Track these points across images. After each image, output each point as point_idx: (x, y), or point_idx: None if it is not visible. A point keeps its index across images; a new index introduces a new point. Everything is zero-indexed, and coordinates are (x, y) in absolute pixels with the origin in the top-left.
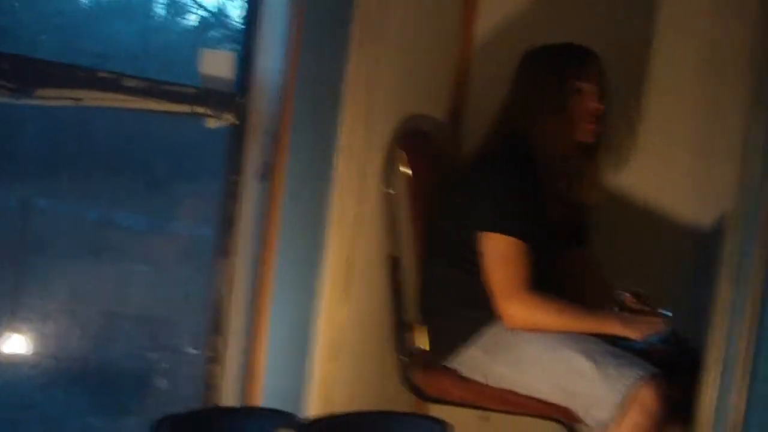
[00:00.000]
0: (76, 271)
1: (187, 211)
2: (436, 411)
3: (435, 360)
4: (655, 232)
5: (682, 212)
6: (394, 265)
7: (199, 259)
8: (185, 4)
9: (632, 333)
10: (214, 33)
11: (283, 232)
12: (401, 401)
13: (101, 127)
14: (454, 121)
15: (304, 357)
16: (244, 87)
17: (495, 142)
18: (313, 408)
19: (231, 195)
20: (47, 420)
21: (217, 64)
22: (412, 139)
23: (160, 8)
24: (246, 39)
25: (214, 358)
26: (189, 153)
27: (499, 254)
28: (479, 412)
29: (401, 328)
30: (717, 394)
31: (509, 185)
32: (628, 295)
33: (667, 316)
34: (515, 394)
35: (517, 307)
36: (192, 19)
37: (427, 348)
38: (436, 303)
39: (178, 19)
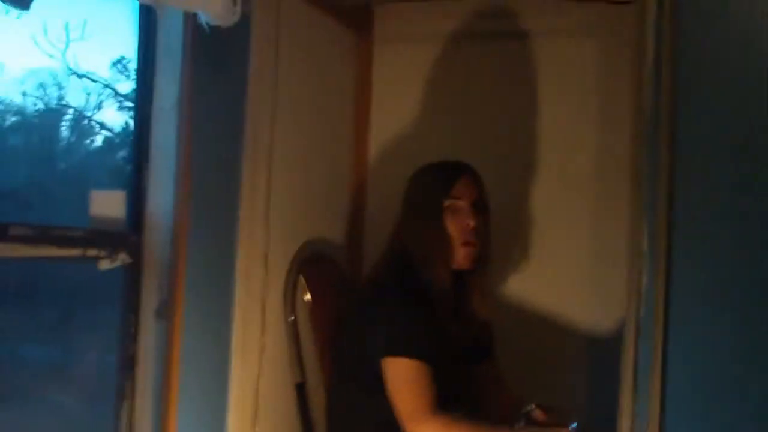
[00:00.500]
0: None
1: (85, 356)
2: None
3: None
4: (555, 340)
5: (581, 318)
6: (300, 392)
7: (100, 403)
8: (72, 146)
9: None
10: (102, 172)
11: (185, 369)
12: None
13: None
14: (353, 243)
15: None
16: (137, 226)
17: (387, 265)
18: None
19: (129, 336)
20: None
21: (108, 204)
22: (311, 265)
23: (46, 149)
24: (135, 177)
25: None
26: (83, 296)
27: (402, 378)
28: None
29: None
30: None
31: (403, 309)
32: (536, 408)
33: (573, 428)
34: None
35: (427, 428)
36: (83, 159)
37: None
38: (345, 429)
39: (66, 161)
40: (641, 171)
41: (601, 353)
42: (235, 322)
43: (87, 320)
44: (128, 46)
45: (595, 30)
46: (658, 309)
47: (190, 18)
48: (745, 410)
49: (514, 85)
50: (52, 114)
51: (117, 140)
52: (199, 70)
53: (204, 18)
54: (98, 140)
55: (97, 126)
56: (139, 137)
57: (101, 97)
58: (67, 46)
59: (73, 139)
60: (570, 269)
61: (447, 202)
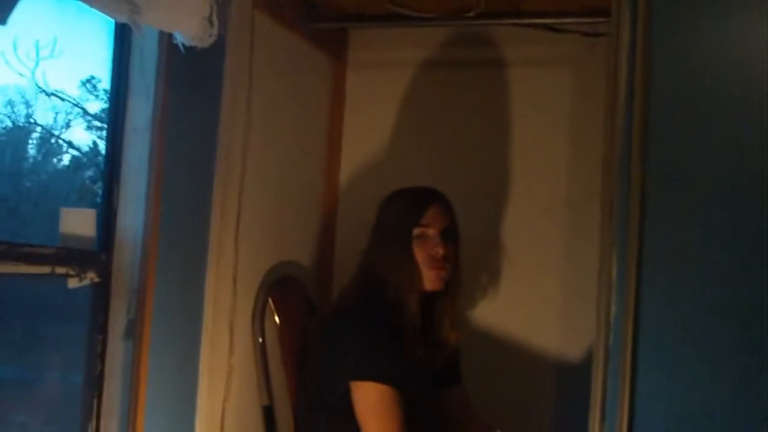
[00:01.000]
0: None
1: (51, 375)
2: None
3: None
4: (524, 366)
5: (550, 345)
6: (268, 414)
7: (67, 423)
8: (39, 164)
9: None
10: (69, 191)
11: (152, 390)
12: None
13: None
14: (322, 267)
15: None
16: (107, 245)
17: (355, 289)
18: None
19: (96, 355)
20: None
21: (78, 221)
22: (280, 287)
23: (14, 167)
24: (106, 195)
25: None
26: (51, 314)
27: (370, 403)
28: None
29: None
30: None
31: (370, 333)
32: None
33: None
34: None
35: None
36: (49, 178)
37: None
38: None
39: (32, 179)
40: (612, 200)
41: (570, 380)
42: (203, 344)
43: (54, 338)
44: (98, 66)
45: (569, 60)
46: (626, 338)
47: (166, 38)
48: None
49: (487, 113)
50: (20, 132)
51: (84, 159)
52: (173, 90)
53: (180, 38)
54: (66, 159)
55: (65, 145)
56: (111, 156)
57: (70, 116)
58: (36, 63)
59: (40, 158)
60: (540, 296)
61: (416, 231)
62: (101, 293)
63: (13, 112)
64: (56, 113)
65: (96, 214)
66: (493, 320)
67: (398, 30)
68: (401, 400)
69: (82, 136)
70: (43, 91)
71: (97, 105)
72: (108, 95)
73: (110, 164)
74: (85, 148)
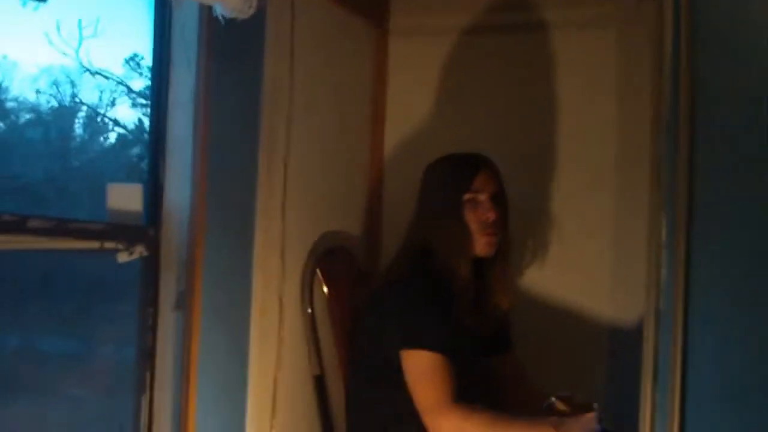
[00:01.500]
0: None
1: (103, 349)
2: None
3: None
4: (575, 332)
5: (601, 310)
6: (319, 384)
7: (120, 395)
8: (86, 143)
9: None
10: (116, 169)
11: (203, 361)
12: None
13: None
14: (370, 236)
15: None
16: (154, 218)
17: (404, 258)
18: None
19: (148, 328)
20: None
21: (125, 197)
22: (329, 258)
23: (60, 146)
24: (153, 170)
25: None
26: (102, 288)
27: (421, 371)
28: None
29: None
30: None
31: (420, 302)
32: (556, 401)
33: (596, 410)
34: None
35: (444, 423)
36: (96, 156)
37: None
38: (363, 421)
39: (79, 158)
40: (660, 163)
41: (621, 345)
42: (253, 315)
43: (105, 313)
44: (141, 43)
45: (613, 21)
46: (677, 301)
47: (206, 11)
48: (766, 401)
49: (532, 77)
50: (66, 111)
51: (130, 137)
52: (214, 63)
53: (220, 11)
54: (112, 137)
55: (111, 123)
56: (156, 131)
57: (114, 94)
58: (80, 43)
59: (86, 137)
60: (590, 261)
61: (467, 196)
62: (150, 267)
63: (59, 92)
64: (101, 92)
65: (143, 188)
66: (544, 286)
67: None
68: (451, 367)
69: (127, 114)
70: (88, 70)
71: (141, 82)
72: (151, 72)
73: (155, 138)
74: (131, 126)
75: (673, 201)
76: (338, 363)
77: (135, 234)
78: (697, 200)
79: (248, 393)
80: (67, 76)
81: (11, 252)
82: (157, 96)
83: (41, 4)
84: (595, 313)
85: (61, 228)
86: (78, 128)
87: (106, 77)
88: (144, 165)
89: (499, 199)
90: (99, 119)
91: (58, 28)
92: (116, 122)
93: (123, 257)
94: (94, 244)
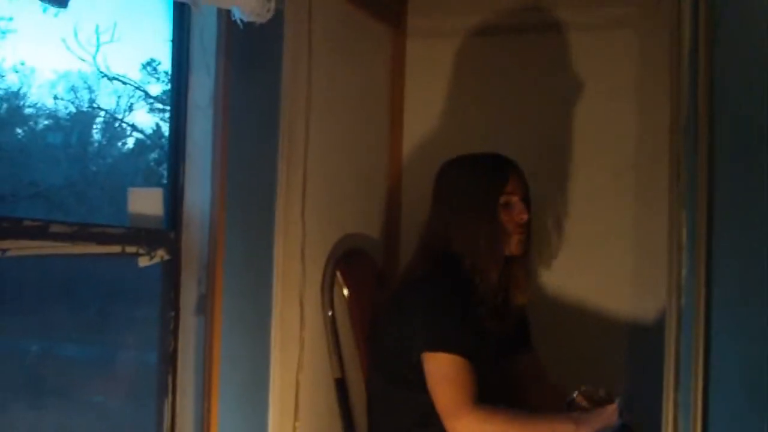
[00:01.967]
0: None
1: (125, 353)
2: None
3: None
4: (595, 329)
5: (621, 309)
6: (340, 387)
7: (142, 400)
8: (104, 148)
9: (586, 430)
10: (134, 174)
11: (225, 365)
12: None
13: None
14: (389, 237)
15: None
16: (175, 222)
17: (423, 260)
18: None
19: (169, 332)
20: None
21: (146, 201)
22: (348, 260)
23: (79, 152)
24: (172, 174)
25: None
26: (123, 293)
27: (442, 374)
28: None
29: None
30: None
31: (442, 304)
32: (579, 395)
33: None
34: None
35: (465, 425)
36: (115, 161)
37: None
38: (385, 424)
39: (98, 163)
40: (680, 162)
41: (642, 344)
42: (274, 317)
43: (127, 317)
44: (158, 48)
45: (632, 22)
46: (699, 300)
47: (224, 15)
48: None
49: (551, 78)
50: (84, 117)
51: (148, 142)
52: (233, 66)
53: (238, 14)
54: (130, 142)
55: (129, 128)
56: (175, 134)
57: (132, 100)
58: (97, 49)
59: (104, 142)
60: (610, 259)
61: (503, 198)
62: (171, 271)
63: (77, 97)
64: (119, 97)
65: (163, 192)
66: (564, 285)
67: None
68: (473, 370)
69: (145, 119)
70: (105, 75)
71: (158, 87)
72: (168, 77)
73: (175, 142)
74: (149, 131)
75: (693, 200)
76: (359, 365)
77: (156, 238)
78: (717, 199)
79: (270, 396)
80: (85, 82)
81: (33, 257)
82: (177, 100)
83: (62, 9)
84: (615, 312)
85: (82, 233)
86: (96, 133)
87: (124, 82)
88: (162, 169)
89: (527, 201)
90: (117, 124)
91: (76, 34)
92: (134, 127)
93: (144, 261)
94: (116, 249)
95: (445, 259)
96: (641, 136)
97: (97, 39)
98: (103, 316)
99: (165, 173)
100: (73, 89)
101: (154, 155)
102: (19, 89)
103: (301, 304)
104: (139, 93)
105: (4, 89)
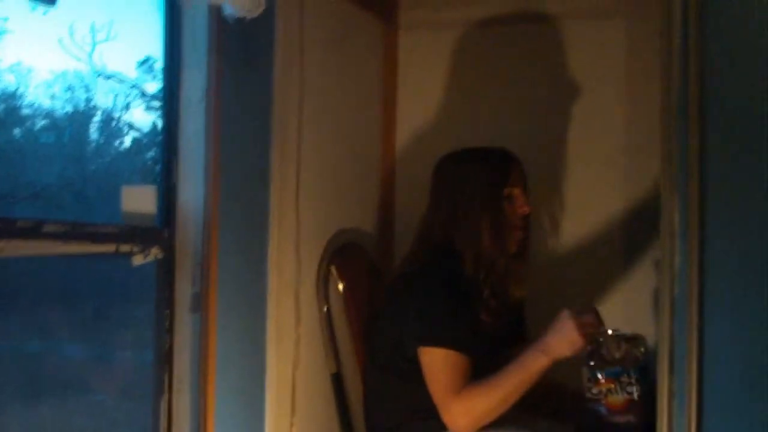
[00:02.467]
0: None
1: (121, 352)
2: None
3: None
4: None
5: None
6: (336, 382)
7: (138, 398)
8: (102, 147)
9: (561, 352)
10: (132, 173)
11: (221, 362)
12: None
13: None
14: (383, 232)
15: None
16: (168, 220)
17: (422, 254)
18: None
19: (165, 330)
20: None
21: (139, 199)
22: (343, 254)
23: (76, 151)
24: (165, 171)
25: None
26: (118, 292)
27: (437, 368)
28: None
29: None
30: None
31: (438, 296)
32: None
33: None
34: None
35: (454, 412)
36: (112, 160)
37: None
38: (382, 417)
39: (95, 162)
40: (671, 148)
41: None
42: (270, 313)
43: (122, 316)
44: (154, 46)
45: (622, 10)
46: (692, 287)
47: (215, 11)
48: None
49: (543, 68)
50: (81, 116)
51: (145, 140)
52: (225, 62)
53: (229, 10)
54: (127, 141)
55: (126, 127)
56: (168, 132)
57: (128, 98)
58: (93, 48)
59: (102, 141)
60: (603, 247)
61: (507, 191)
62: (166, 268)
63: (73, 97)
64: (115, 96)
65: (156, 190)
66: (556, 273)
67: None
68: (467, 362)
69: (142, 117)
70: (101, 74)
71: (154, 85)
72: (162, 73)
73: (167, 140)
74: (146, 129)
75: (684, 186)
76: (355, 359)
77: (149, 236)
78: (709, 186)
79: (267, 392)
80: (81, 81)
81: (27, 257)
82: (169, 97)
83: (51, 7)
84: (607, 302)
85: (75, 232)
86: (93, 132)
87: (120, 81)
88: (159, 167)
89: (527, 193)
90: (114, 123)
91: (71, 33)
92: (131, 126)
93: (138, 260)
94: (110, 248)
95: (443, 253)
96: (633, 122)
97: (93, 38)
98: (98, 315)
99: (160, 170)
100: (69, 88)
101: (151, 153)
102: (15, 90)
103: (297, 300)
104: (135, 91)
105: (1, 90)
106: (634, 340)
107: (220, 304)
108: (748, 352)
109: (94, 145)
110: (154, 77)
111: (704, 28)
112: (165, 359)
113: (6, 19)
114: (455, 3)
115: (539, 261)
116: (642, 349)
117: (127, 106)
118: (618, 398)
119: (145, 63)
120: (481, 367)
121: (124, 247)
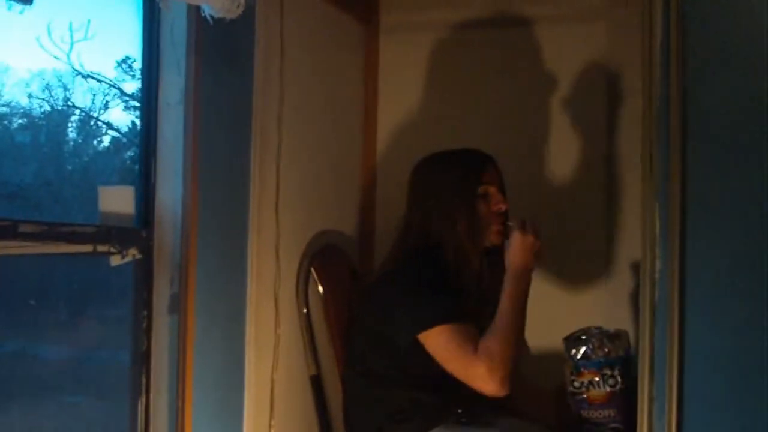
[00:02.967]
0: None
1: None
2: None
3: None
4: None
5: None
6: (315, 384)
7: (116, 399)
8: (80, 147)
9: (525, 262)
10: (110, 173)
11: (199, 363)
12: None
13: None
14: (363, 234)
15: None
16: (147, 221)
17: (401, 254)
18: None
19: (142, 331)
20: None
21: (117, 200)
22: (323, 257)
23: (54, 150)
24: (144, 171)
25: None
26: (95, 292)
27: (444, 347)
28: None
29: None
30: None
31: (421, 288)
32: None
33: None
34: None
35: (480, 368)
36: (90, 160)
37: None
38: (361, 420)
39: (73, 162)
40: (652, 154)
41: None
42: (249, 315)
43: (99, 317)
44: (133, 45)
45: (603, 14)
46: (672, 293)
47: (194, 11)
48: (764, 393)
49: (524, 71)
50: (59, 115)
51: (124, 140)
52: (204, 63)
53: (208, 11)
54: (106, 140)
55: (105, 126)
56: (147, 132)
57: (107, 98)
58: (71, 46)
59: (80, 140)
60: (584, 252)
61: (481, 189)
62: (144, 269)
63: (51, 96)
64: (94, 95)
65: (134, 191)
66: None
67: None
68: (466, 326)
69: (121, 117)
70: (80, 73)
71: (133, 85)
72: (141, 73)
73: (146, 140)
74: (125, 129)
75: (665, 192)
76: (335, 362)
77: (127, 237)
78: (690, 192)
79: (245, 394)
80: (60, 80)
81: (3, 258)
82: (147, 97)
83: (27, 7)
84: (589, 304)
85: (52, 232)
86: (71, 132)
87: (99, 80)
88: (138, 167)
89: (504, 191)
90: (92, 123)
91: (50, 32)
92: (109, 125)
93: (116, 260)
94: (87, 248)
95: (422, 252)
96: (613, 127)
97: (71, 36)
98: (75, 316)
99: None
100: (47, 87)
101: (130, 153)
102: None
103: (276, 302)
104: (114, 91)
105: None
106: (617, 336)
107: (199, 305)
108: (728, 357)
109: (72, 144)
110: (133, 77)
111: (685, 34)
112: (142, 360)
113: None
114: (436, 6)
115: None
116: (625, 345)
117: (105, 106)
118: (599, 392)
119: (124, 63)
120: None
121: (102, 248)
